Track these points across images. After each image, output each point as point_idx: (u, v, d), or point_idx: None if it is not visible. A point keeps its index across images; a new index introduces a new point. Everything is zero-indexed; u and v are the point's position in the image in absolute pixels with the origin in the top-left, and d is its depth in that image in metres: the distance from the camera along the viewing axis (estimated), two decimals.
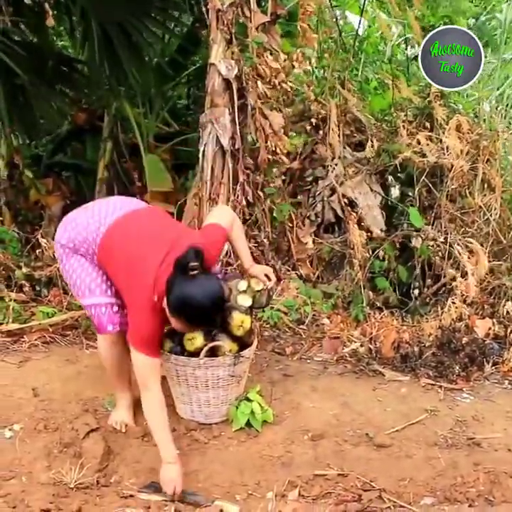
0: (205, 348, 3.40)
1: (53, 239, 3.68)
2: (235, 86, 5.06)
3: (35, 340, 4.48)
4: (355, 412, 3.78)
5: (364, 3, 6.21)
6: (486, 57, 6.73)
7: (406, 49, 7.49)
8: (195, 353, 3.42)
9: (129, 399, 3.65)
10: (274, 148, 5.19)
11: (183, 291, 3.04)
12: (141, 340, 3.17)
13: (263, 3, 5.74)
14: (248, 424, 3.50)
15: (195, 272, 3.05)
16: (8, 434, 3.38)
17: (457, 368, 4.29)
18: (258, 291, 3.60)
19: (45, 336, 4.54)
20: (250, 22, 5.16)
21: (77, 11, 5.83)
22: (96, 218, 3.42)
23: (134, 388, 3.52)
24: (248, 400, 3.55)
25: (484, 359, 4.42)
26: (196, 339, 3.42)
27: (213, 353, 3.46)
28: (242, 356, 3.49)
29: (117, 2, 5.83)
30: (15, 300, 4.79)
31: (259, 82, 5.12)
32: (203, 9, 5.52)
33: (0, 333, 4.54)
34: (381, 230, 5.60)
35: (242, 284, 3.59)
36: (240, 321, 3.47)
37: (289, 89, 5.44)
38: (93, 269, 3.44)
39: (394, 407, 3.85)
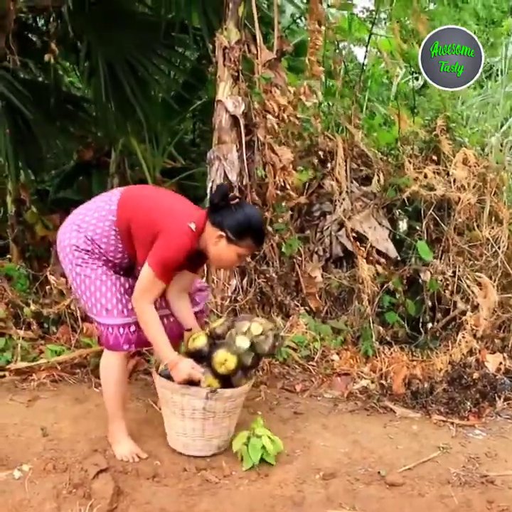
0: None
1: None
2: (242, 122, 5.10)
3: (44, 378, 4.45)
4: (366, 450, 3.74)
5: (368, 40, 6.25)
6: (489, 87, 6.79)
7: (411, 81, 7.52)
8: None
9: (126, 427, 3.61)
10: (282, 184, 5.21)
11: (245, 215, 3.33)
12: (161, 261, 3.26)
13: (269, 38, 5.79)
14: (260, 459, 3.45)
15: (237, 200, 3.39)
16: (17, 474, 3.33)
17: (469, 403, 4.26)
18: (256, 336, 3.56)
19: (53, 375, 4.51)
20: (257, 59, 5.20)
21: (84, 47, 5.89)
22: (104, 198, 3.53)
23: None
24: (257, 436, 3.49)
25: (496, 394, 4.40)
26: None
27: (196, 384, 3.42)
28: (216, 392, 3.40)
29: (123, 38, 5.89)
30: (23, 338, 4.76)
31: (269, 116, 5.15)
32: (209, 45, 5.59)
33: (8, 372, 4.51)
34: (396, 258, 5.61)
35: (243, 326, 3.58)
36: (223, 359, 3.42)
37: (297, 123, 5.49)
38: (109, 283, 3.44)
39: (406, 445, 3.82)
